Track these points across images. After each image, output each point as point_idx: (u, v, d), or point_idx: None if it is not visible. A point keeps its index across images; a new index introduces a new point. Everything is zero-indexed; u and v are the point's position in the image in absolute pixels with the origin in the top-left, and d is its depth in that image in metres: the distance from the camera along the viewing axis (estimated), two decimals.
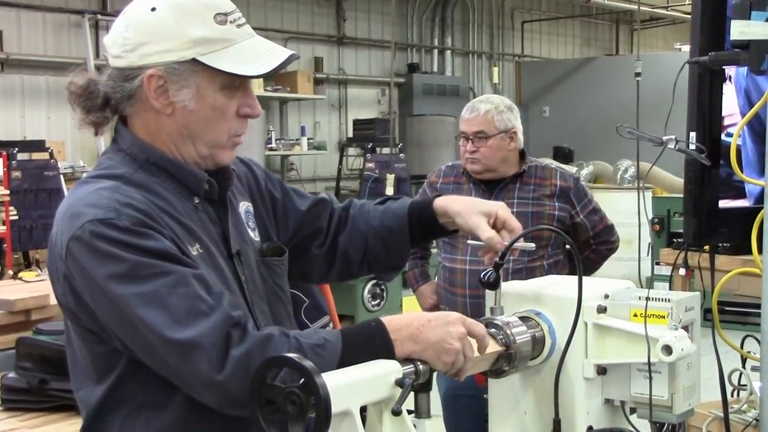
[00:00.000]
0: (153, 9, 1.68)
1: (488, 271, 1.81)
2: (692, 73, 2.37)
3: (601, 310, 1.81)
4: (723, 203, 2.44)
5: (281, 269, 1.91)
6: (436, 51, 14.56)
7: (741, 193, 2.51)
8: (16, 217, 8.06)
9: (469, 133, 3.51)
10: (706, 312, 2.08)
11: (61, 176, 8.67)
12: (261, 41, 1.75)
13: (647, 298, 1.77)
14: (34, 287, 4.45)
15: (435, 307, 3.68)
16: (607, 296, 1.83)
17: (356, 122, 12.62)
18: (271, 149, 11.46)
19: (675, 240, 7.91)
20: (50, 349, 2.98)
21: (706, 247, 2.46)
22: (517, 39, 16.28)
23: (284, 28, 12.21)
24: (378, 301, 8.49)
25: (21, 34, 9.95)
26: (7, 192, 7.97)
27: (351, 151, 12.48)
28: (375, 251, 2.04)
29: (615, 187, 11.09)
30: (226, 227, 1.80)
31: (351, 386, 1.50)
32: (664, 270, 8.26)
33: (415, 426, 1.59)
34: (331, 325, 3.67)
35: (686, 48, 10.24)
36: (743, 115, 2.40)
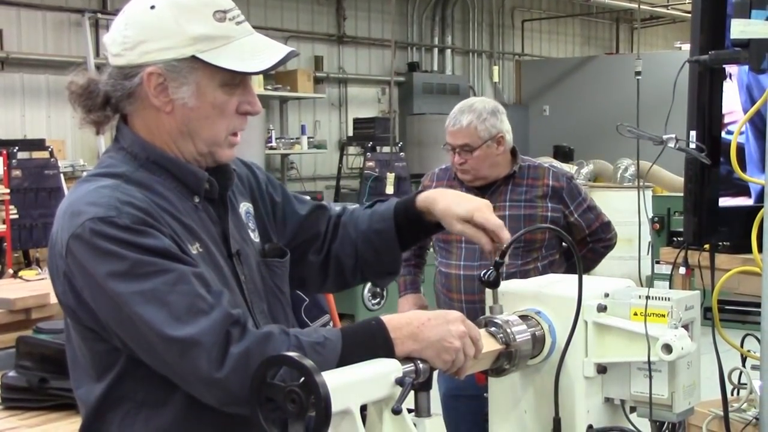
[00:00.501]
0: (152, 7, 1.69)
1: (488, 271, 1.81)
2: (692, 72, 2.37)
3: (601, 308, 1.81)
4: (724, 201, 2.44)
5: (282, 271, 1.91)
6: (436, 50, 14.56)
7: (742, 191, 2.51)
8: (17, 216, 8.06)
9: (455, 146, 3.44)
10: (706, 311, 2.09)
11: (62, 175, 8.67)
12: (260, 38, 1.75)
13: (647, 297, 1.77)
14: (34, 286, 4.45)
15: None
16: (607, 295, 1.83)
17: (356, 121, 12.61)
18: (271, 148, 11.46)
19: (675, 239, 7.91)
20: (50, 348, 2.98)
21: (706, 246, 2.46)
22: (518, 38, 16.27)
23: (284, 27, 12.21)
24: (378, 300, 8.49)
25: (21, 32, 9.95)
26: (8, 191, 7.97)
27: (351, 149, 12.48)
28: (366, 256, 2.02)
29: (615, 186, 11.09)
30: (226, 227, 1.80)
31: (351, 385, 1.51)
32: (664, 269, 8.27)
33: (415, 425, 1.59)
34: (331, 323, 3.67)
35: (686, 47, 10.24)
36: (745, 111, 2.40)
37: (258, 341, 1.56)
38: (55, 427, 2.83)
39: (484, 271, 1.81)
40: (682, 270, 2.85)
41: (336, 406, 1.44)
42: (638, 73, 10.20)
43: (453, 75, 14.62)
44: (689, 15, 3.12)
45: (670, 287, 3.93)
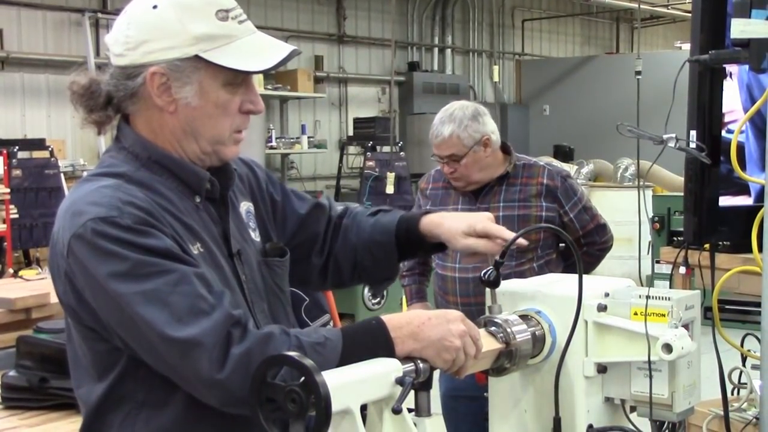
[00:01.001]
0: (155, 7, 1.69)
1: (488, 270, 1.81)
2: (692, 72, 2.37)
3: (602, 308, 1.81)
4: (724, 200, 2.44)
5: (282, 270, 1.91)
6: (436, 49, 14.56)
7: (742, 190, 2.52)
8: (17, 216, 8.06)
9: (442, 157, 3.41)
10: (707, 310, 2.09)
11: (62, 174, 8.67)
12: (263, 37, 1.75)
13: (647, 297, 1.77)
14: (34, 286, 4.45)
15: None
16: (607, 294, 1.83)
17: (356, 121, 12.61)
18: (271, 148, 11.45)
19: (675, 238, 7.90)
20: (50, 348, 2.98)
21: (707, 246, 2.46)
22: (518, 37, 16.27)
23: (284, 27, 12.21)
24: (378, 299, 8.49)
25: (21, 32, 9.95)
26: (8, 190, 7.97)
27: (351, 149, 12.47)
28: (364, 263, 2.04)
29: (615, 185, 11.09)
30: (227, 226, 1.80)
31: (351, 385, 1.51)
32: (665, 268, 8.28)
33: (415, 424, 1.59)
34: (331, 323, 3.67)
35: (687, 46, 10.23)
36: (746, 110, 2.40)
37: (259, 342, 1.56)
38: (55, 427, 2.83)
39: (484, 271, 1.81)
40: (683, 269, 2.85)
41: (336, 406, 1.44)
42: (638, 73, 10.21)
43: (453, 75, 14.62)
44: (689, 15, 3.12)
45: (671, 287, 3.93)
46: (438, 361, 1.63)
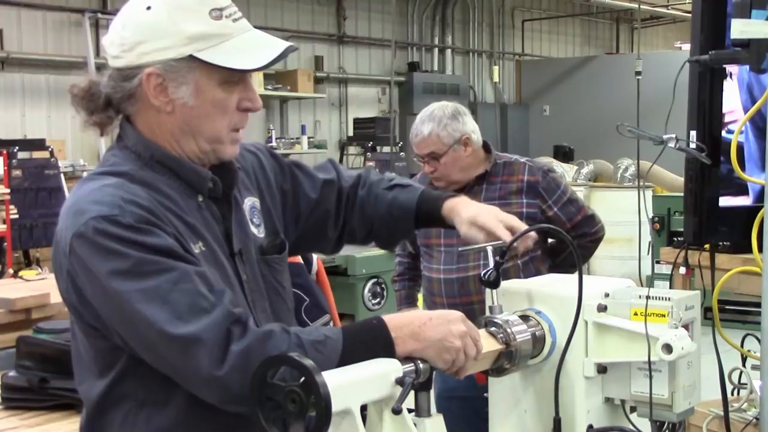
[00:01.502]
0: (148, 8, 1.69)
1: (488, 270, 1.81)
2: (692, 72, 2.37)
3: (602, 308, 1.81)
4: (724, 200, 2.45)
5: (281, 266, 1.92)
6: (436, 50, 14.56)
7: (742, 190, 2.52)
8: (17, 216, 8.06)
9: (423, 156, 3.40)
10: (707, 311, 2.09)
11: (62, 175, 8.66)
12: (258, 34, 1.75)
13: (647, 297, 1.77)
14: (34, 286, 4.44)
15: None
16: (607, 295, 1.83)
17: (356, 121, 12.62)
18: (271, 148, 11.43)
19: (675, 239, 7.89)
20: (51, 348, 2.98)
21: (707, 246, 2.46)
22: (518, 38, 16.27)
23: (284, 27, 12.20)
24: (378, 299, 8.49)
25: (21, 32, 9.95)
26: (8, 191, 7.97)
27: (351, 149, 12.48)
28: (379, 233, 2.10)
29: (615, 185, 11.09)
30: (230, 225, 1.80)
31: (351, 385, 1.51)
32: (665, 269, 8.27)
33: (415, 425, 1.59)
34: (331, 323, 3.67)
35: (687, 47, 10.23)
36: (746, 110, 2.40)
37: (259, 339, 1.56)
38: (56, 427, 2.82)
39: (485, 271, 1.81)
40: (683, 270, 2.85)
41: (336, 406, 1.44)
42: (638, 73, 10.22)
43: (453, 75, 14.62)
44: (689, 15, 3.12)
45: (671, 287, 3.92)
46: (438, 361, 1.63)
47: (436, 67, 14.49)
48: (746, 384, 2.68)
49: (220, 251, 1.75)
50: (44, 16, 10.13)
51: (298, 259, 3.56)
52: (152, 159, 1.73)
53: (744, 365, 2.67)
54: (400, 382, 1.55)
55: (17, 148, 8.41)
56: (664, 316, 1.75)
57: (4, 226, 7.89)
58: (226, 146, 1.76)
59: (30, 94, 9.97)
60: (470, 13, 15.15)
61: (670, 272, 6.98)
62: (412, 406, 1.63)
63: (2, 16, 9.74)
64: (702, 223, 2.41)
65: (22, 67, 9.87)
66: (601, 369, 1.82)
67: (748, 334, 2.62)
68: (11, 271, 6.99)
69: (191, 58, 1.68)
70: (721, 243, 2.57)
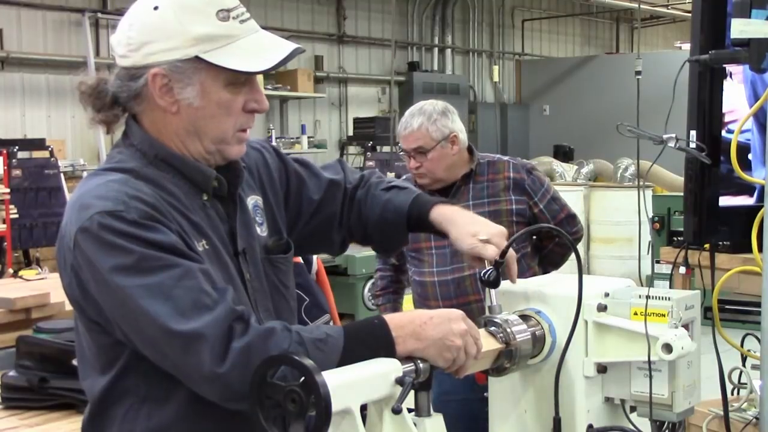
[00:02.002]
0: (156, 8, 1.69)
1: (488, 270, 1.81)
2: (692, 72, 2.37)
3: (602, 308, 1.81)
4: (724, 200, 2.45)
5: (286, 267, 1.92)
6: (436, 49, 14.57)
7: (742, 190, 2.52)
8: (17, 216, 8.06)
9: (409, 150, 3.40)
10: (707, 310, 2.09)
11: (62, 174, 8.67)
12: (265, 36, 1.75)
13: (647, 297, 1.77)
14: (34, 285, 4.44)
15: None
16: (607, 294, 1.83)
17: (356, 120, 12.62)
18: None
19: (675, 238, 7.90)
20: (50, 348, 2.98)
21: (707, 246, 2.46)
22: (518, 37, 16.28)
23: (284, 27, 12.20)
24: None
25: (21, 32, 9.95)
26: (8, 190, 7.97)
27: (351, 149, 12.49)
28: (373, 236, 2.08)
29: (615, 185, 11.09)
30: (234, 225, 1.81)
31: (351, 385, 1.51)
32: (665, 268, 8.27)
33: (415, 424, 1.59)
34: (331, 323, 3.67)
35: (687, 46, 10.23)
36: (750, 105, 2.40)
37: (260, 336, 1.57)
38: (55, 427, 2.82)
39: (485, 270, 1.81)
40: (683, 269, 2.85)
41: (336, 406, 1.44)
42: (638, 73, 10.22)
43: (453, 75, 14.63)
44: (689, 15, 3.12)
45: (671, 287, 3.92)
46: (439, 360, 1.63)
47: (436, 67, 14.50)
48: (746, 384, 2.68)
49: (224, 250, 1.75)
50: (44, 15, 10.13)
51: (298, 258, 3.56)
52: (157, 158, 1.73)
53: (744, 365, 2.67)
54: (400, 381, 1.55)
55: (17, 147, 8.42)
56: (664, 315, 1.75)
57: (4, 225, 7.89)
58: (232, 146, 1.76)
59: (30, 93, 9.97)
60: (470, 13, 15.15)
61: (670, 272, 6.98)
62: (412, 406, 1.63)
63: (2, 16, 9.74)
64: (702, 222, 2.41)
65: (22, 67, 9.87)
66: (601, 369, 1.82)
67: (748, 334, 2.62)
68: (11, 270, 6.99)
69: (197, 59, 1.68)
70: (721, 243, 2.57)
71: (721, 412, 2.44)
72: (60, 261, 1.69)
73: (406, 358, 1.61)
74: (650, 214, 8.56)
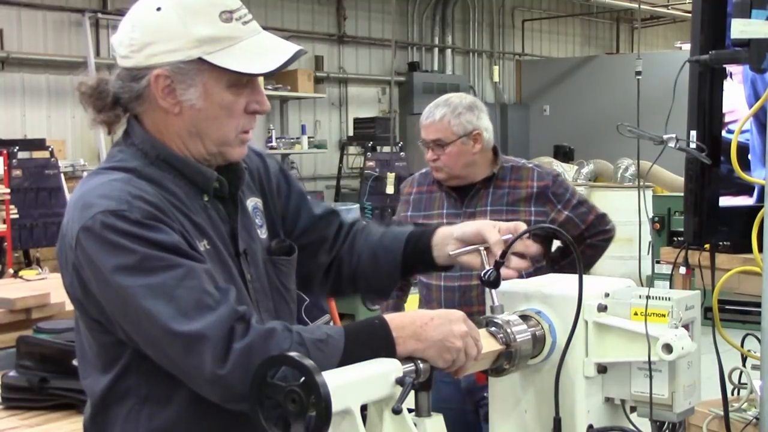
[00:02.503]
0: (158, 9, 1.69)
1: (488, 270, 1.81)
2: (693, 72, 2.38)
3: (602, 308, 1.80)
4: (725, 200, 2.45)
5: (288, 268, 1.92)
6: (436, 49, 14.56)
7: (742, 190, 2.52)
8: (17, 216, 8.06)
9: (428, 141, 3.27)
10: (707, 310, 2.09)
11: (62, 175, 8.67)
12: (268, 37, 1.75)
13: (648, 297, 1.77)
14: (34, 286, 4.44)
15: None
16: (607, 295, 1.83)
17: (357, 121, 12.61)
18: (271, 148, 11.44)
19: (675, 238, 7.90)
20: (51, 348, 2.98)
21: (707, 246, 2.46)
22: (518, 37, 16.28)
23: (285, 27, 12.20)
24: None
25: (21, 32, 9.95)
26: (8, 190, 7.97)
27: (351, 149, 12.48)
28: (365, 268, 2.01)
29: (615, 185, 11.10)
30: (235, 225, 1.81)
31: (351, 385, 1.51)
32: (665, 268, 8.28)
33: (415, 424, 1.59)
34: (331, 323, 3.67)
35: (687, 46, 10.22)
36: (750, 105, 2.40)
37: (261, 337, 1.57)
38: (56, 427, 2.82)
39: (484, 270, 1.81)
40: (683, 270, 2.85)
41: (336, 406, 1.44)
42: (638, 73, 10.21)
43: (453, 75, 14.63)
44: (689, 15, 3.12)
45: (671, 287, 3.92)
46: (439, 361, 1.63)
47: (436, 67, 14.49)
48: (746, 384, 2.68)
49: (225, 251, 1.76)
50: (44, 16, 10.13)
51: None
52: (158, 158, 1.74)
53: (744, 365, 2.67)
54: (400, 382, 1.55)
55: (17, 148, 8.42)
56: (664, 316, 1.75)
57: (4, 226, 7.89)
58: (234, 148, 1.77)
59: (30, 94, 9.97)
60: (470, 13, 15.15)
61: (670, 272, 6.98)
62: (412, 406, 1.63)
63: (2, 16, 9.74)
64: (702, 223, 2.41)
65: (22, 67, 9.87)
66: (601, 369, 1.82)
67: (748, 334, 2.62)
68: (11, 271, 6.98)
69: (200, 60, 1.68)
70: (721, 243, 2.57)
71: (721, 413, 2.44)
72: (61, 260, 1.69)
73: (406, 359, 1.62)
74: (650, 214, 8.57)
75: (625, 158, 11.15)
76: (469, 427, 3.26)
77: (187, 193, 1.73)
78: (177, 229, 1.64)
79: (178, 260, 1.59)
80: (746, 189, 2.52)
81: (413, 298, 3.76)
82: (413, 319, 1.65)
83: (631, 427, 1.84)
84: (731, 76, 2.45)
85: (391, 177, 10.50)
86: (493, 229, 1.86)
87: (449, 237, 1.92)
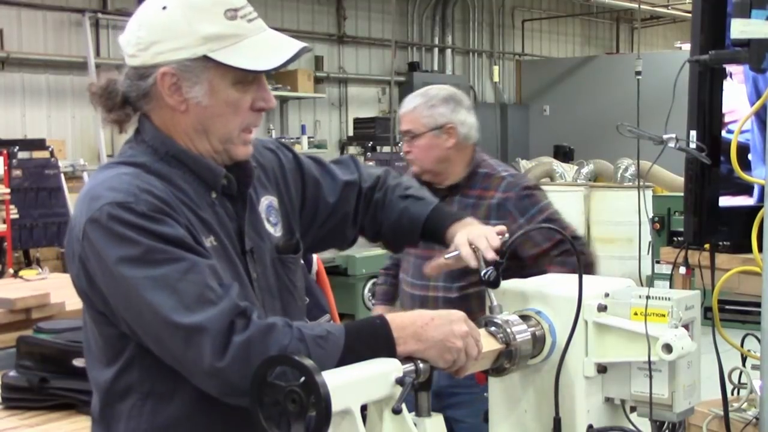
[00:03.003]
0: (164, 8, 1.71)
1: (488, 270, 1.81)
2: (692, 72, 2.38)
3: (602, 308, 1.81)
4: (724, 200, 2.45)
5: (295, 266, 1.93)
6: (436, 50, 14.56)
7: (742, 190, 2.52)
8: (17, 216, 8.05)
9: (402, 132, 3.11)
10: (707, 310, 2.09)
11: (62, 175, 8.67)
12: (273, 35, 1.76)
13: (647, 297, 1.77)
14: (34, 286, 4.44)
15: None
16: (607, 295, 1.83)
17: (356, 121, 12.62)
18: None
19: (675, 238, 7.90)
20: (51, 348, 2.98)
21: (707, 246, 2.46)
22: (518, 37, 16.27)
23: (285, 27, 12.19)
24: None
25: (21, 32, 9.95)
26: (8, 190, 7.96)
27: (351, 149, 12.47)
28: (386, 236, 2.12)
29: (615, 185, 11.09)
30: (243, 223, 1.82)
31: (351, 385, 1.51)
32: (665, 268, 8.27)
33: (415, 424, 1.59)
34: (331, 323, 3.67)
35: (687, 46, 10.23)
36: (752, 103, 2.40)
37: (261, 332, 1.57)
38: (56, 427, 2.82)
39: (484, 270, 1.81)
40: (683, 270, 2.85)
41: (336, 406, 1.44)
42: (638, 73, 10.23)
43: (453, 75, 14.61)
44: (689, 15, 3.12)
45: (671, 287, 3.92)
46: (439, 361, 1.64)
47: (436, 67, 14.49)
48: (746, 384, 2.68)
49: (232, 248, 1.77)
50: (44, 16, 10.13)
51: None
52: (168, 154, 1.75)
53: (744, 365, 2.67)
54: (400, 382, 1.55)
55: (17, 148, 8.41)
56: (664, 316, 1.76)
57: (4, 226, 7.88)
58: (238, 147, 1.78)
59: (30, 94, 9.97)
60: (470, 13, 15.15)
61: (670, 272, 6.98)
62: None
63: (2, 16, 9.74)
64: (702, 223, 2.41)
65: (22, 67, 9.87)
66: (601, 369, 1.82)
67: (748, 334, 2.62)
68: (11, 271, 6.98)
69: (205, 58, 1.69)
70: (721, 243, 2.57)
71: (721, 412, 2.44)
72: (68, 252, 1.71)
73: (406, 358, 1.62)
74: (650, 214, 8.56)
75: (625, 158, 11.15)
76: (485, 413, 3.20)
77: (196, 189, 1.75)
78: (183, 223, 1.65)
79: (182, 254, 1.60)
80: (746, 189, 2.52)
81: None
82: (414, 319, 1.66)
83: (631, 427, 1.84)
84: (731, 76, 2.45)
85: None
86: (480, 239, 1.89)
87: (452, 236, 1.97)
